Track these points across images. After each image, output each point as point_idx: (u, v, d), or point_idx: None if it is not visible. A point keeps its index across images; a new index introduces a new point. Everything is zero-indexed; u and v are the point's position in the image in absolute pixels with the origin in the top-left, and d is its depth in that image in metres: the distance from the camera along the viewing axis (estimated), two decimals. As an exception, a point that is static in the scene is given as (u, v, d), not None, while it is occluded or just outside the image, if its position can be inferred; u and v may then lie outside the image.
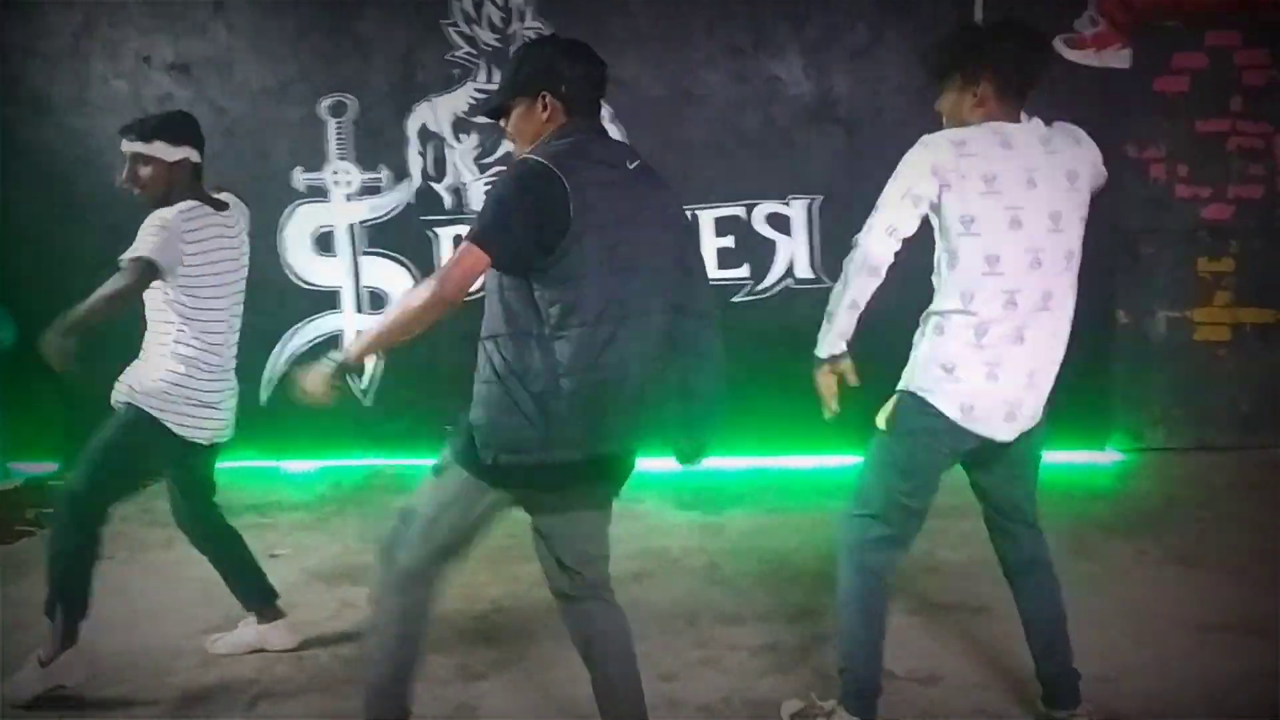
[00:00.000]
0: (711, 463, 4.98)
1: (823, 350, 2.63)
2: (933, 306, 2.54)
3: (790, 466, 5.18)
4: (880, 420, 2.59)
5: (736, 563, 3.98)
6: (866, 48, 5.08)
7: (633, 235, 2.26)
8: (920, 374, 2.54)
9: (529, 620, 3.49)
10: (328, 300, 5.35)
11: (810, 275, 5.19)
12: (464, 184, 5.18)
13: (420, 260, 5.27)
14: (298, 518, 4.62)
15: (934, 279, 2.55)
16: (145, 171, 2.99)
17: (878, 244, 2.45)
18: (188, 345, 3.02)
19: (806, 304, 5.15)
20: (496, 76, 5.10)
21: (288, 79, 5.19)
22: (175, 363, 3.02)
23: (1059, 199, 2.46)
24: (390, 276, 5.30)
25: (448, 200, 5.21)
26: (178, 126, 3.04)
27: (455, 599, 3.57)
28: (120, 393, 3.08)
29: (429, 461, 5.29)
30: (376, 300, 5.32)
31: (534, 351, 2.22)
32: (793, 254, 5.20)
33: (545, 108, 2.29)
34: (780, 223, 5.18)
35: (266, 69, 5.19)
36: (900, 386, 2.59)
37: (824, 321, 2.59)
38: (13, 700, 2.96)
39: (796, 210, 5.16)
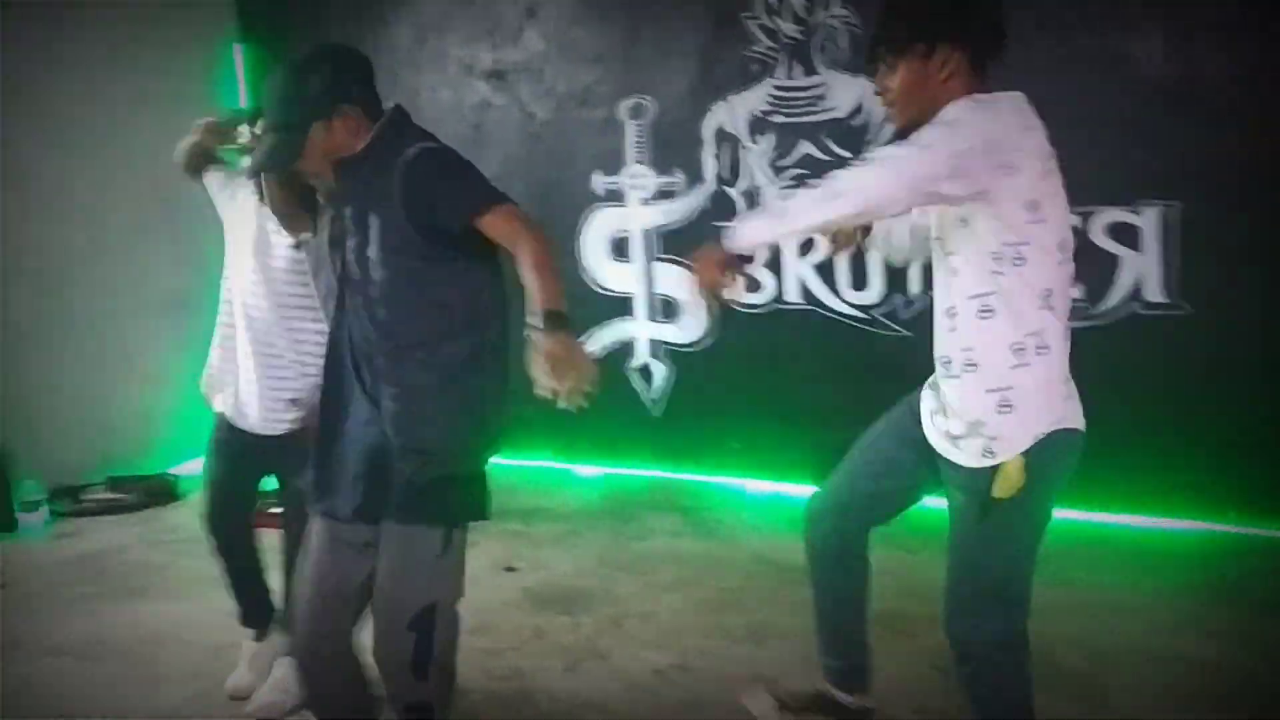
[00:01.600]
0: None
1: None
2: (1007, 327, 2.02)
3: (1126, 524, 4.28)
4: (1006, 488, 2.02)
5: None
6: (1247, 17, 4.02)
7: None
8: (1049, 411, 2.02)
9: (708, 684, 3.08)
10: (621, 307, 5.23)
11: (1163, 299, 4.23)
12: (759, 188, 4.81)
13: (712, 268, 4.97)
14: (554, 529, 4.53)
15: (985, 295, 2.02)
16: None
17: (880, 193, 1.97)
18: None
19: (1156, 335, 4.23)
20: (796, 72, 4.69)
21: (592, 81, 5.13)
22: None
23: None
24: (682, 284, 5.07)
25: (741, 205, 4.86)
26: None
27: (640, 646, 3.28)
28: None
29: (712, 478, 5.07)
30: (669, 308, 5.12)
31: (482, 344, 2.17)
32: (1140, 272, 4.26)
33: (349, 119, 2.09)
34: (1126, 234, 4.25)
35: (573, 72, 5.16)
36: (1013, 454, 2.03)
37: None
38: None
39: (1148, 219, 4.22)
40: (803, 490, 4.83)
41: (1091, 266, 4.32)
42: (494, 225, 2.08)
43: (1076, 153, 4.20)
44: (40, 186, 4.92)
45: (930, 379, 2.30)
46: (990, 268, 1.97)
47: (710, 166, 4.91)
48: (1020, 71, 4.18)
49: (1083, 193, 4.26)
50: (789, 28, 4.68)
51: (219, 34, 5.78)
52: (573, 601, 3.69)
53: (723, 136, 4.87)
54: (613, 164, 5.11)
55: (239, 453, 2.94)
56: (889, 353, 4.71)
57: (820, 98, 4.67)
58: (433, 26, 5.43)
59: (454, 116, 5.44)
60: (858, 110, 4.61)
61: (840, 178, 1.98)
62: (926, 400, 2.26)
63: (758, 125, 4.79)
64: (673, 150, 4.99)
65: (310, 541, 2.25)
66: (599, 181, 5.15)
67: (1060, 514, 4.28)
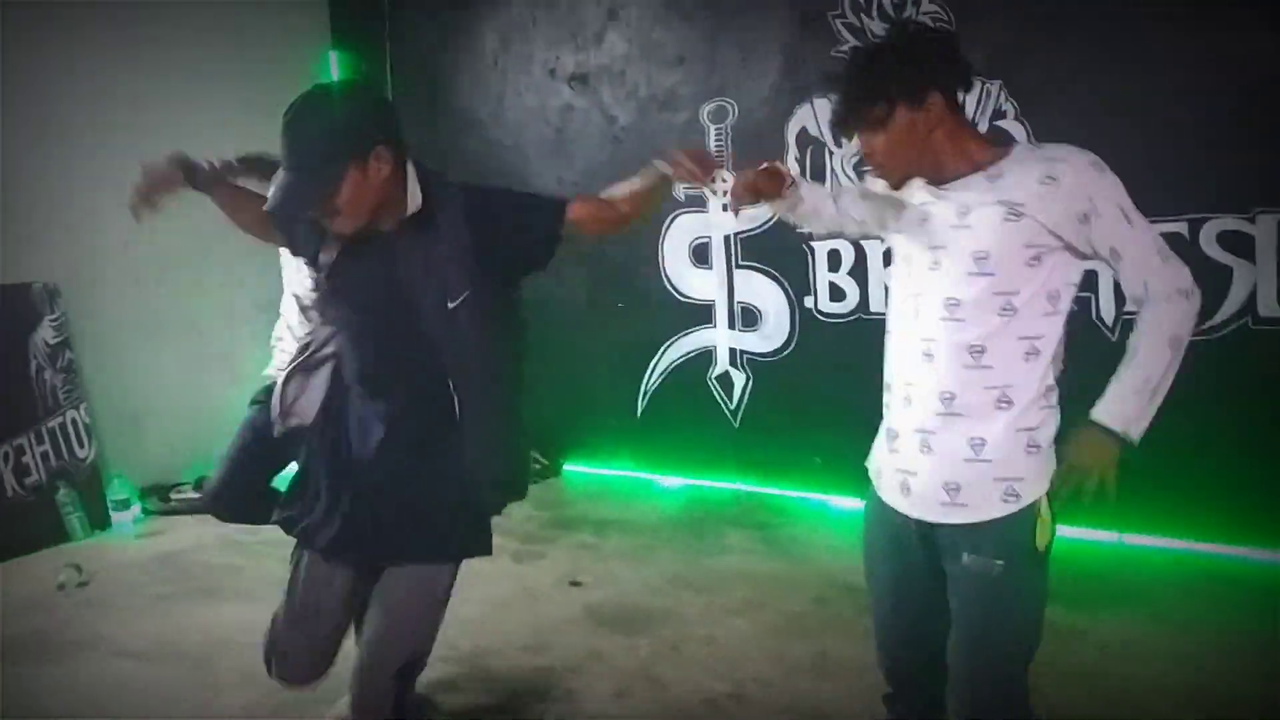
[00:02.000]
0: (1106, 536, 4.09)
1: None
2: (1044, 376, 1.92)
3: (1235, 555, 3.97)
4: (1045, 534, 1.90)
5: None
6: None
7: None
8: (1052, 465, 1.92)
9: (760, 717, 2.95)
10: (703, 314, 5.11)
11: (1278, 314, 3.92)
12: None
13: (794, 276, 4.82)
14: (626, 543, 4.44)
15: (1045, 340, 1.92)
16: None
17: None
18: None
19: (1271, 350, 3.92)
20: (884, 71, 4.50)
21: (674, 84, 5.02)
22: None
23: None
24: (763, 292, 4.93)
25: (825, 211, 4.69)
26: None
27: (696, 673, 3.16)
28: None
29: (793, 493, 4.90)
30: (749, 316, 4.98)
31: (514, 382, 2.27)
32: (1254, 284, 3.95)
33: (383, 161, 1.97)
34: (1239, 244, 3.95)
35: (654, 74, 5.06)
36: (1040, 494, 1.90)
37: None
38: None
39: (1264, 228, 3.90)
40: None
41: (1201, 278, 4.00)
42: (584, 210, 2.17)
43: (1187, 157, 3.97)
44: (137, 192, 5.06)
45: (881, 447, 2.14)
46: (1045, 309, 1.89)
47: (793, 171, 4.75)
48: (1131, 72, 3.97)
49: (1193, 200, 4.01)
50: (877, 26, 4.49)
51: (315, 41, 5.87)
52: (634, 621, 3.60)
53: (806, 140, 4.71)
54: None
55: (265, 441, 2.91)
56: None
57: (909, 99, 4.47)
58: (518, 30, 5.40)
59: (537, 120, 5.41)
60: (949, 111, 4.40)
61: (1171, 285, 1.91)
62: (893, 473, 2.05)
63: (843, 128, 4.61)
64: (755, 154, 4.80)
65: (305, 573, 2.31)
66: (680, 186, 5.03)
67: (1187, 546, 4.05)
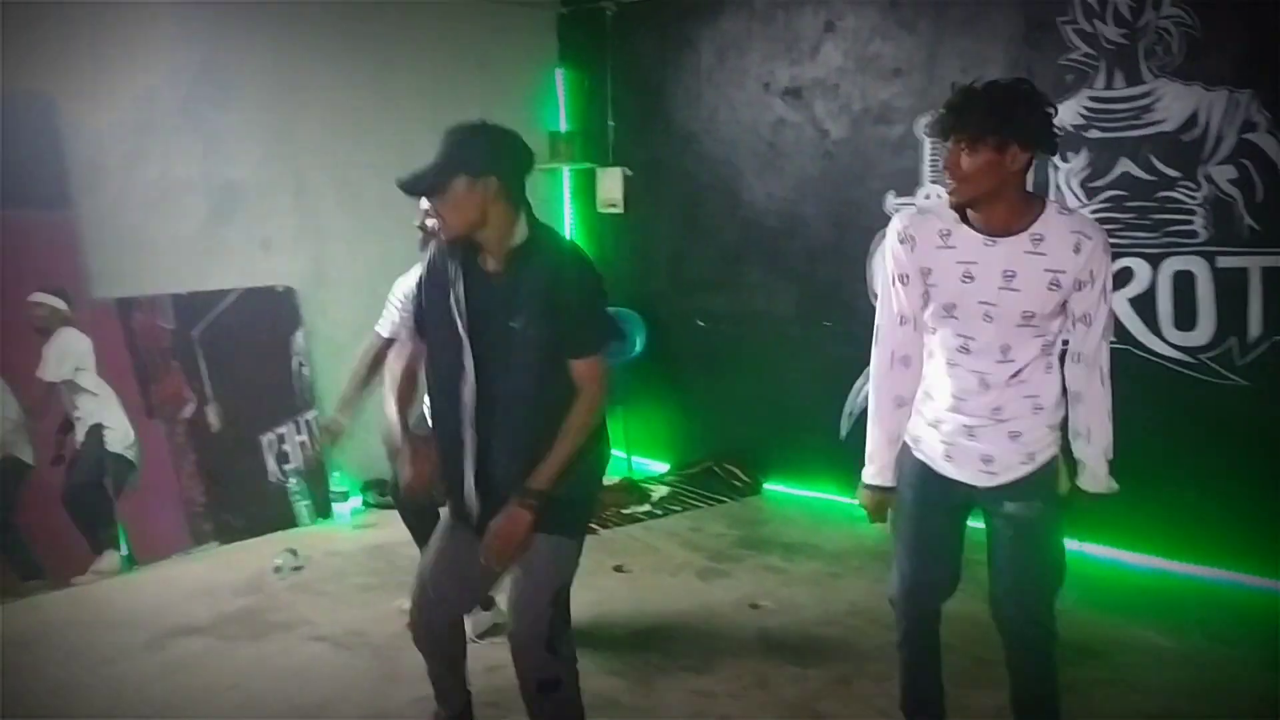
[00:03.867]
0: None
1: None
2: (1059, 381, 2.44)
3: None
4: (1063, 487, 2.45)
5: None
6: None
7: None
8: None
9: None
10: (912, 336, 4.89)
11: None
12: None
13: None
14: (814, 568, 4.30)
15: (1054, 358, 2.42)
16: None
17: None
18: None
19: None
20: (1118, 80, 4.17)
21: (889, 97, 4.84)
22: None
23: None
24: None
25: (1047, 230, 4.38)
26: None
27: (862, 712, 3.01)
28: None
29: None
30: (961, 340, 4.72)
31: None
32: None
33: (490, 188, 2.32)
34: None
35: (869, 87, 4.90)
36: (1052, 455, 2.43)
37: None
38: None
39: None
40: (1105, 551, 4.27)
41: None
42: (590, 366, 2.39)
43: None
44: (372, 205, 5.37)
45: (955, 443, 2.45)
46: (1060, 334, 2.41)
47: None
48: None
49: None
50: (1111, 32, 4.16)
51: (545, 60, 6.07)
52: (807, 651, 3.48)
53: (1029, 154, 4.42)
54: (907, 184, 4.81)
55: None
56: (1222, 404, 4.07)
57: (1146, 109, 4.11)
58: (733, 45, 5.37)
59: (750, 135, 5.36)
60: (1191, 122, 4.01)
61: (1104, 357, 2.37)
62: (936, 444, 2.46)
63: (1069, 141, 4.29)
64: (973, 169, 4.59)
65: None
66: (892, 203, 4.86)
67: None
